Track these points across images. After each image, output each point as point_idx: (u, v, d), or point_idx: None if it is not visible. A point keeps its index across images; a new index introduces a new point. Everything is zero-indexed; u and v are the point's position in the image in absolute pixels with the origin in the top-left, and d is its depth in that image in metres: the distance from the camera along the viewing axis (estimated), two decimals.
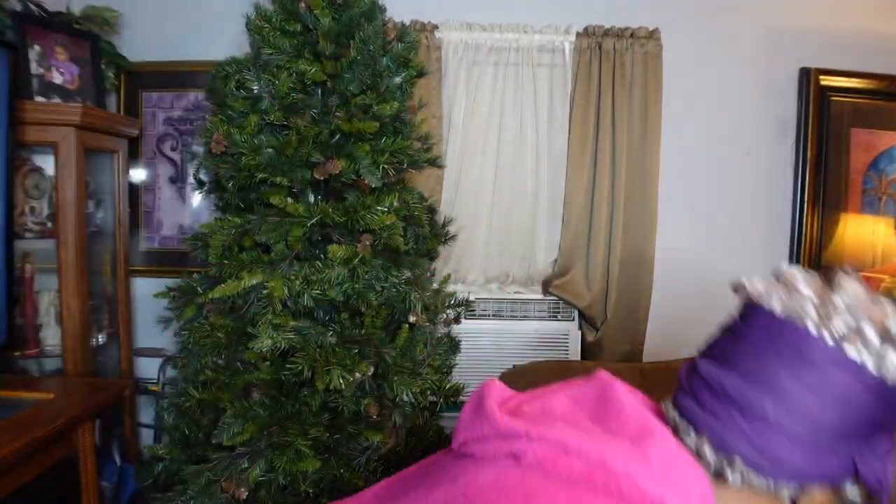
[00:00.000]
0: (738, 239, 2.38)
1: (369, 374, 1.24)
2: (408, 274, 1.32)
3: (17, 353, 1.80)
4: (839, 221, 2.35)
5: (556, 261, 2.29)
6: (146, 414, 2.25)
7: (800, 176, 2.33)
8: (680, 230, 2.35)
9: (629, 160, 2.19)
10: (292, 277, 1.24)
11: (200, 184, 1.55)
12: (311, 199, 1.40)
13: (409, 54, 1.45)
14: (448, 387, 1.34)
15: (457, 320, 1.61)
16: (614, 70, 2.15)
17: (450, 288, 1.68)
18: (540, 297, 2.28)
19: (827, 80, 2.29)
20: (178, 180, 2.30)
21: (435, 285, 1.53)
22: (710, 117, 2.32)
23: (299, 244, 1.29)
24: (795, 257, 2.35)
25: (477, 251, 2.29)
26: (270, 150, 1.29)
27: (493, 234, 2.29)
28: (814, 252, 2.34)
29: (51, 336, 1.87)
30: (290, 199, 1.31)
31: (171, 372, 2.10)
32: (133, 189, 2.26)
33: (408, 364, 1.32)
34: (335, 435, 1.31)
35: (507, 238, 2.29)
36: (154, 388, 2.16)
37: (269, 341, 1.20)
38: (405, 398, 1.27)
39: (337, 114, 1.34)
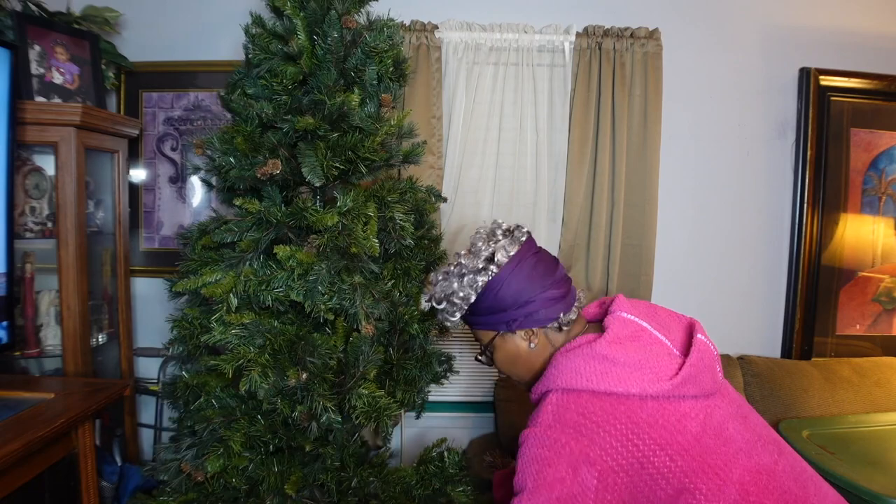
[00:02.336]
0: (738, 239, 2.38)
1: (302, 379, 1.20)
2: (358, 279, 1.25)
3: (17, 353, 1.80)
4: (839, 221, 2.35)
5: None
6: (146, 414, 2.25)
7: (800, 176, 2.33)
8: (680, 230, 2.35)
9: (629, 160, 2.19)
10: (251, 276, 1.24)
11: (209, 185, 1.57)
12: (279, 199, 1.38)
13: (382, 45, 1.38)
14: (379, 405, 1.24)
15: (443, 332, 1.56)
16: (614, 70, 2.15)
17: None
18: None
19: (827, 80, 2.29)
20: (178, 180, 2.30)
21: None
22: (710, 117, 2.33)
23: (250, 243, 1.27)
24: (795, 257, 2.35)
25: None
26: (237, 152, 1.29)
27: None
28: (814, 252, 2.34)
29: (51, 336, 1.87)
30: (256, 200, 1.31)
31: (171, 371, 2.10)
32: (133, 189, 2.26)
33: (329, 376, 1.26)
34: (277, 438, 1.30)
35: None
36: (154, 388, 2.16)
37: (219, 336, 1.22)
38: (319, 411, 1.22)
39: (307, 114, 1.33)
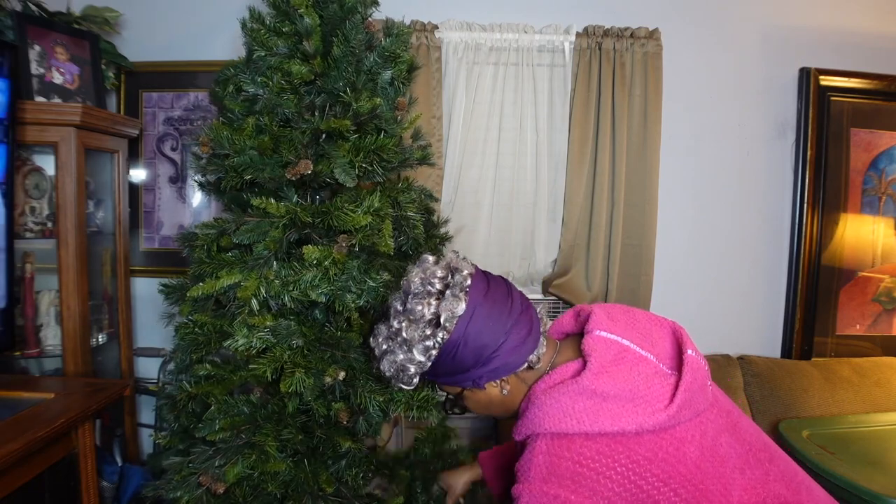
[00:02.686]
0: (737, 239, 2.38)
1: (340, 378, 1.22)
2: (386, 276, 1.26)
3: (17, 353, 1.80)
4: (839, 221, 2.35)
5: (556, 261, 2.29)
6: (146, 414, 2.25)
7: (800, 176, 2.33)
8: (679, 230, 2.35)
9: (629, 160, 2.19)
10: (271, 278, 1.23)
11: (202, 186, 1.56)
12: (295, 199, 1.39)
13: (398, 49, 1.40)
14: (420, 396, 1.25)
15: None
16: (614, 70, 2.15)
17: None
18: (540, 296, 2.28)
19: (827, 80, 2.29)
20: (178, 180, 2.30)
21: None
22: (710, 117, 2.33)
23: (275, 244, 1.27)
24: (795, 257, 2.35)
25: (477, 251, 2.29)
26: (253, 151, 1.28)
27: (493, 234, 2.29)
28: (814, 252, 2.34)
29: (51, 336, 1.87)
30: (273, 201, 1.29)
31: (169, 378, 2.10)
32: (133, 189, 2.26)
33: (375, 371, 1.28)
34: (311, 438, 1.30)
35: (507, 238, 2.29)
36: (154, 388, 2.16)
37: (244, 340, 1.20)
38: (370, 407, 1.23)
39: (317, 113, 1.33)
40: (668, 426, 0.81)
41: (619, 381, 0.82)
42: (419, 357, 0.88)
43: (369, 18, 1.38)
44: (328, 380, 1.20)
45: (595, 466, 0.78)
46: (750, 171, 2.36)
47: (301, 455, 1.29)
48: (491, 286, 0.90)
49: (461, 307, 0.86)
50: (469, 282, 0.88)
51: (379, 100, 1.32)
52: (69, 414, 1.38)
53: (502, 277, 0.94)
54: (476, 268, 0.92)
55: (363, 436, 1.34)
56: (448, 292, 0.87)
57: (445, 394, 1.00)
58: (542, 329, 0.92)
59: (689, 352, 0.88)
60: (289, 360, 1.19)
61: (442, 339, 0.86)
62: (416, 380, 0.91)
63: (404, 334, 0.88)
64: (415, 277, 0.91)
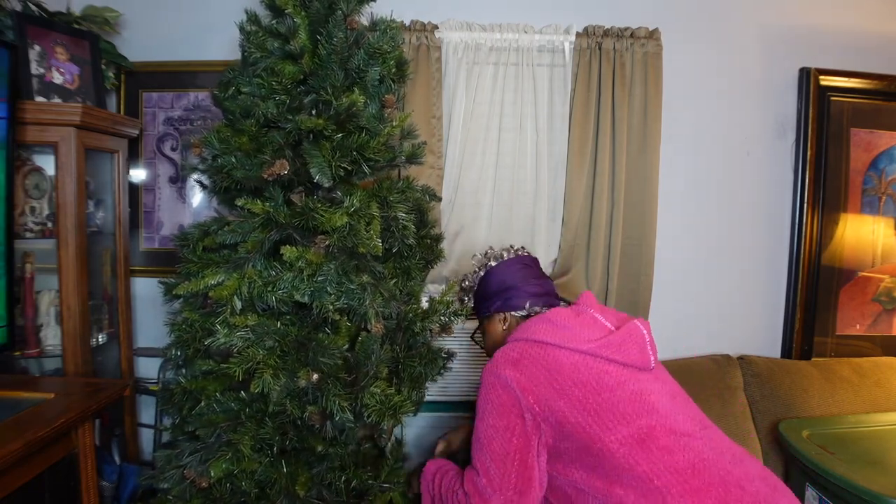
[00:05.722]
0: (737, 239, 2.38)
1: (313, 380, 1.20)
2: (366, 278, 1.25)
3: (17, 353, 1.80)
4: (839, 221, 2.35)
5: (556, 261, 2.29)
6: (146, 414, 2.25)
7: (800, 176, 2.33)
8: (680, 229, 2.35)
9: (629, 160, 2.19)
10: (255, 277, 1.23)
11: (203, 186, 1.56)
12: (282, 199, 1.37)
13: (385, 45, 1.37)
14: (393, 402, 1.24)
15: (445, 329, 1.54)
16: (614, 70, 2.15)
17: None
18: None
19: (827, 80, 2.29)
20: (178, 180, 2.30)
21: (432, 292, 1.52)
22: (710, 117, 2.33)
23: (255, 245, 1.26)
24: (795, 257, 2.35)
25: (477, 251, 2.28)
26: (238, 151, 1.28)
27: (493, 233, 2.28)
28: (813, 252, 2.34)
29: (51, 336, 1.87)
30: (259, 201, 1.28)
31: (169, 375, 2.10)
32: (133, 189, 2.26)
33: (343, 375, 1.26)
34: (286, 439, 1.30)
35: (507, 238, 2.29)
36: (154, 388, 2.16)
37: (224, 339, 1.20)
38: (335, 411, 1.22)
39: (304, 113, 1.32)
40: (597, 356, 1.13)
41: (571, 321, 1.21)
42: (470, 279, 1.48)
43: (352, 16, 1.35)
44: (301, 382, 1.19)
45: (531, 357, 1.15)
46: (750, 171, 2.36)
47: (278, 455, 1.29)
48: (530, 265, 1.44)
49: (504, 256, 1.44)
50: (520, 254, 1.46)
51: (356, 96, 1.30)
52: (69, 414, 1.38)
53: (550, 280, 1.44)
54: (534, 258, 1.49)
55: (334, 440, 1.33)
56: (505, 251, 1.47)
57: (475, 330, 1.54)
58: (549, 306, 1.36)
59: (636, 321, 1.20)
60: (262, 360, 1.19)
61: (485, 271, 1.44)
62: (465, 299, 1.52)
63: (472, 261, 1.52)
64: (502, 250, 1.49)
